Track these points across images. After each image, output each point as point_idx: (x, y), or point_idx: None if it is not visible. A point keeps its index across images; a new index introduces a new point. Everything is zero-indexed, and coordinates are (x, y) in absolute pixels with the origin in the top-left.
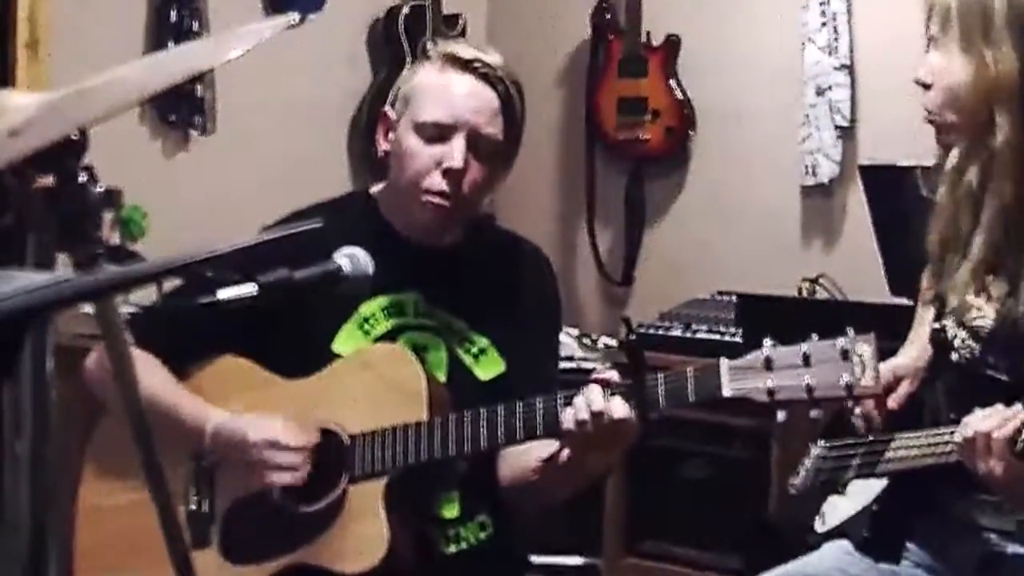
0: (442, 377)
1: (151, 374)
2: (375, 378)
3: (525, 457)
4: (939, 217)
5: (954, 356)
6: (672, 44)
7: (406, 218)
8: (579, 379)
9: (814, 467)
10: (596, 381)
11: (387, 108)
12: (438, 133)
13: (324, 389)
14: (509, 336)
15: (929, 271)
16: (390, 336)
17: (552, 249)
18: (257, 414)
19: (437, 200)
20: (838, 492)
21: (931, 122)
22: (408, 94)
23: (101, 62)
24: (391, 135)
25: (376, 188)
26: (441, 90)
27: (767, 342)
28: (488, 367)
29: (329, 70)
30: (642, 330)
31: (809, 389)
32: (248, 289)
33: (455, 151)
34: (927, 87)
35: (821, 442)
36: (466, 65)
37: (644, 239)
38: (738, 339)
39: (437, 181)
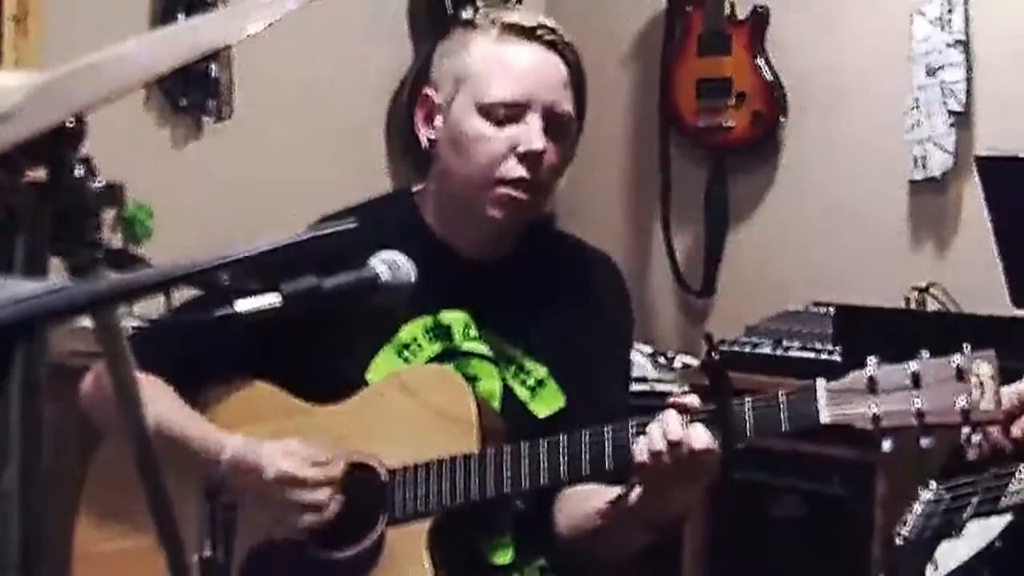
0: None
1: (158, 399)
2: (418, 404)
3: (589, 499)
4: None
5: None
6: (760, 17)
7: (466, 219)
8: (652, 404)
9: (925, 513)
10: (673, 406)
11: (428, 90)
12: (508, 114)
13: (359, 417)
14: (571, 365)
15: None
16: (434, 363)
17: (621, 255)
18: (279, 441)
19: (514, 192)
20: (952, 536)
21: None
22: (462, 72)
23: (100, 37)
24: (437, 121)
25: (417, 188)
26: (508, 64)
27: (871, 360)
28: (546, 402)
29: (364, 47)
30: (725, 347)
31: (920, 414)
32: (271, 300)
33: (532, 132)
34: None
35: (932, 484)
36: (530, 34)
37: (727, 242)
38: (836, 357)
39: (513, 167)
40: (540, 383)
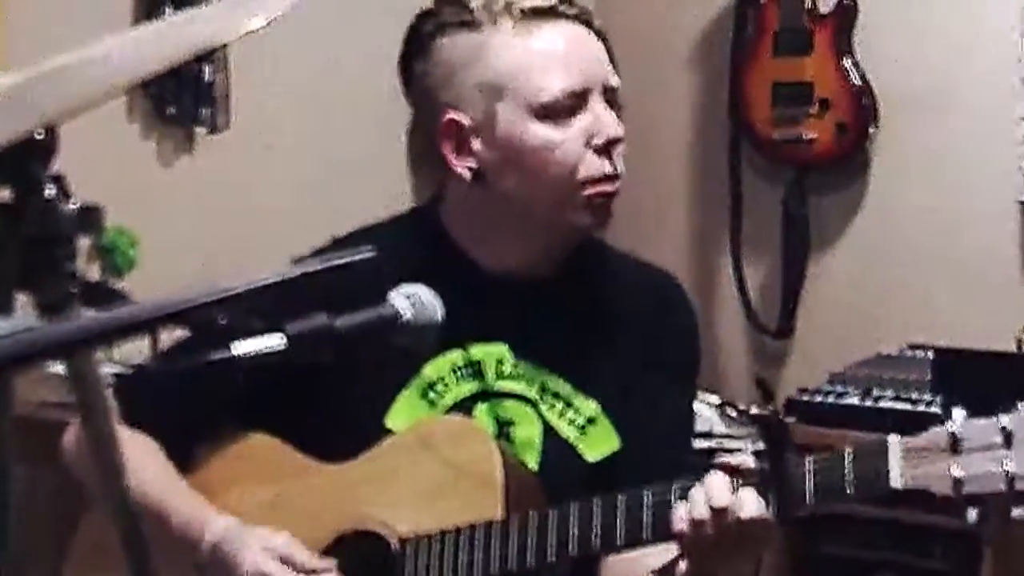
0: (534, 459)
1: (138, 462)
2: (437, 461)
3: (635, 568)
4: None
5: None
6: (846, 11)
7: (528, 236)
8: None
9: None
10: (721, 467)
11: (452, 115)
12: (571, 106)
13: (370, 476)
14: (627, 401)
15: None
16: (464, 406)
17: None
18: (266, 525)
19: (604, 188)
20: None
21: None
22: (494, 79)
23: (75, 35)
24: (475, 145)
25: (445, 207)
26: (550, 52)
27: (957, 413)
28: (597, 444)
29: (382, 47)
30: (805, 397)
31: (1010, 479)
32: (274, 342)
33: (604, 118)
34: None
35: None
36: (553, 12)
37: (808, 273)
38: (935, 409)
39: (596, 164)
40: (591, 421)
